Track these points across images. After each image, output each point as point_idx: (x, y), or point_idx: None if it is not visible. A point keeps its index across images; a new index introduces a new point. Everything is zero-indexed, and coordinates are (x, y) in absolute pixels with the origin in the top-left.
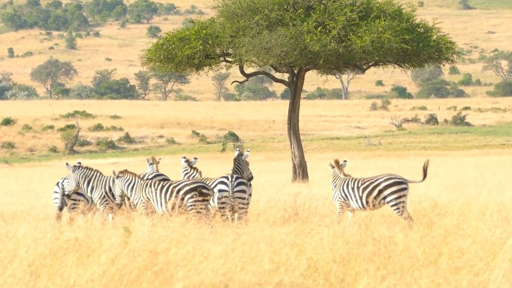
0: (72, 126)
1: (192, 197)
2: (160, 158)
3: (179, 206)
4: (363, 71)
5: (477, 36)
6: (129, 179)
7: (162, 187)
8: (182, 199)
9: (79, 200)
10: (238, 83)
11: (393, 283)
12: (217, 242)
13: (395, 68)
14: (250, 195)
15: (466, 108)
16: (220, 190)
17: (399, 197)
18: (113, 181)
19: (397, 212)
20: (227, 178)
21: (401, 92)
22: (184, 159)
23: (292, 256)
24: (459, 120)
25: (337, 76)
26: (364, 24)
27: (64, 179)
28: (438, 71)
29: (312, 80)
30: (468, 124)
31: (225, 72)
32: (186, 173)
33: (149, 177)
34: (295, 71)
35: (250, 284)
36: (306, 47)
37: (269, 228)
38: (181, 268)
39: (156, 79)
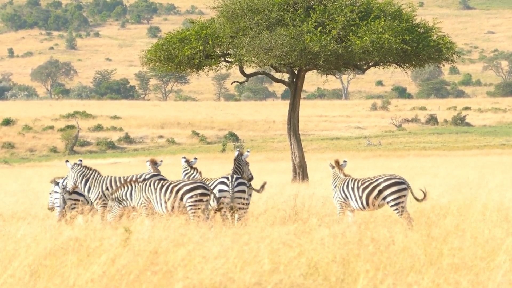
0: (72, 127)
1: (191, 197)
2: (161, 160)
3: (178, 206)
4: (363, 71)
5: (477, 36)
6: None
7: (162, 186)
8: (181, 199)
9: (79, 200)
10: (238, 83)
11: (393, 283)
12: (217, 242)
13: (395, 68)
14: (250, 195)
15: (466, 108)
16: (220, 190)
17: (399, 197)
18: (110, 181)
19: (397, 212)
20: (227, 178)
21: (401, 92)
22: (184, 159)
23: (292, 256)
24: (459, 120)
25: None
26: (364, 25)
27: (65, 179)
28: (438, 71)
29: (312, 80)
30: (468, 124)
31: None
32: (186, 173)
33: (146, 177)
34: (295, 72)
35: (250, 284)
36: (306, 47)
37: (269, 228)
38: (181, 268)
39: (156, 79)
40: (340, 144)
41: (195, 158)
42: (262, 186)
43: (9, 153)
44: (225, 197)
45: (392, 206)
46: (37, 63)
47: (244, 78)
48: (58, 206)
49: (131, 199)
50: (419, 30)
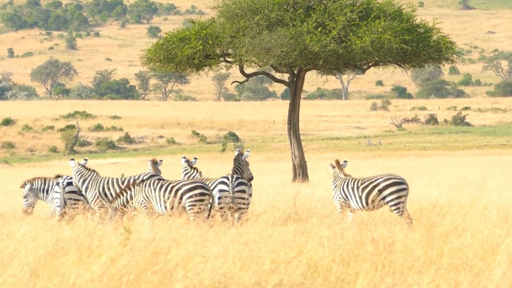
0: (72, 126)
1: (190, 197)
2: (161, 160)
3: (177, 206)
4: (363, 71)
5: (477, 36)
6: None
7: (161, 186)
8: (181, 199)
9: (79, 200)
10: (238, 83)
11: (393, 283)
12: (217, 242)
13: (395, 68)
14: (250, 195)
15: (466, 108)
16: (220, 190)
17: (399, 197)
18: (107, 182)
19: (397, 212)
20: (227, 178)
21: (401, 92)
22: (184, 159)
23: (292, 256)
24: (459, 120)
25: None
26: (364, 25)
27: (65, 179)
28: (438, 71)
29: (312, 80)
30: (468, 124)
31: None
32: (186, 173)
33: (144, 178)
34: (295, 71)
35: (250, 284)
36: (306, 47)
37: (269, 228)
38: (181, 268)
39: (156, 79)
40: (340, 144)
41: (195, 158)
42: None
43: (9, 153)
44: (225, 197)
45: (391, 206)
46: (37, 63)
47: (244, 78)
48: (58, 206)
49: (132, 203)
50: (419, 30)
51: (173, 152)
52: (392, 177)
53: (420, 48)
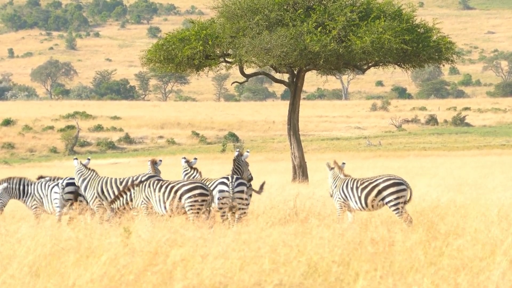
0: (72, 127)
1: (190, 197)
2: (160, 160)
3: (177, 207)
4: (363, 71)
5: (477, 36)
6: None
7: (161, 187)
8: (180, 199)
9: (79, 201)
10: (238, 83)
11: (392, 283)
12: (217, 242)
13: (395, 68)
14: (250, 195)
15: (466, 108)
16: (220, 191)
17: (398, 197)
18: (106, 182)
19: (396, 213)
20: (227, 178)
21: (401, 93)
22: (184, 160)
23: (292, 257)
24: (459, 121)
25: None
26: (364, 25)
27: (65, 179)
28: (438, 72)
29: (312, 80)
30: (468, 124)
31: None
32: (186, 174)
33: (142, 179)
34: (295, 72)
35: (250, 284)
36: (306, 47)
37: (269, 229)
38: (181, 268)
39: (156, 79)
40: (340, 145)
41: (195, 159)
42: (261, 187)
43: (9, 154)
44: (225, 197)
45: (391, 206)
46: (37, 63)
47: (244, 79)
48: (58, 207)
49: (131, 204)
50: (419, 30)
51: (173, 153)
52: (392, 177)
53: (420, 48)
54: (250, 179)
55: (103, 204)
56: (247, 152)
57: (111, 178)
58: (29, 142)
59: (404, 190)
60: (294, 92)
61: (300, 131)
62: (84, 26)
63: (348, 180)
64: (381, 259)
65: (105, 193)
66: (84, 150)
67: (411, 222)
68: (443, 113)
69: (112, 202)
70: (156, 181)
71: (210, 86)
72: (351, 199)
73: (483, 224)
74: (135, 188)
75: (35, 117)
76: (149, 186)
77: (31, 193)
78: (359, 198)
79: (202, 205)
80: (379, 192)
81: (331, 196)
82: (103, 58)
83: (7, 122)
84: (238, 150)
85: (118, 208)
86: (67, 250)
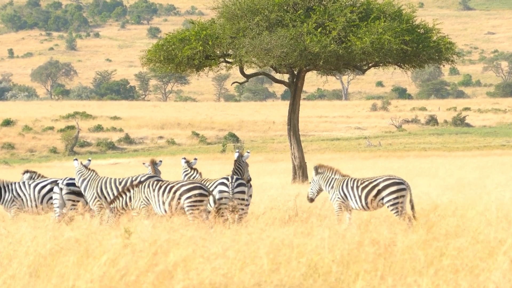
0: (72, 127)
1: (188, 197)
2: (160, 161)
3: (176, 207)
4: (363, 72)
5: (477, 37)
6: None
7: (160, 187)
8: (179, 199)
9: (78, 201)
10: (238, 84)
11: (392, 284)
12: (217, 243)
13: (395, 69)
14: (250, 196)
15: (466, 109)
16: (220, 191)
17: (397, 197)
18: (105, 182)
19: (395, 213)
20: (227, 179)
21: (401, 93)
22: (184, 160)
23: (292, 257)
24: (459, 121)
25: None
26: (364, 25)
27: (64, 179)
28: (438, 72)
29: (312, 81)
30: (468, 125)
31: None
32: (186, 174)
33: (142, 179)
34: (295, 72)
35: (250, 285)
36: (306, 48)
37: (269, 229)
38: (181, 268)
39: (156, 80)
40: (340, 145)
41: (195, 159)
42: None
43: (9, 154)
44: (225, 197)
45: (390, 206)
46: (37, 63)
47: (244, 79)
48: (57, 207)
49: (131, 205)
50: (419, 30)
51: (173, 153)
52: (392, 177)
53: (420, 49)
54: (249, 180)
55: (103, 205)
56: (248, 152)
57: (111, 179)
58: (29, 143)
59: (403, 190)
60: (294, 93)
61: (300, 131)
62: (84, 27)
63: (348, 179)
64: (381, 259)
65: (105, 193)
66: (84, 150)
67: (412, 222)
68: (443, 113)
69: (112, 202)
70: (155, 182)
71: (210, 86)
72: (351, 199)
73: (483, 224)
74: (134, 189)
75: (35, 118)
76: (148, 186)
77: (7, 198)
78: (359, 197)
79: (201, 205)
80: (379, 191)
81: (310, 200)
82: (103, 58)
83: (7, 123)
84: (238, 150)
85: (118, 209)
86: (67, 251)
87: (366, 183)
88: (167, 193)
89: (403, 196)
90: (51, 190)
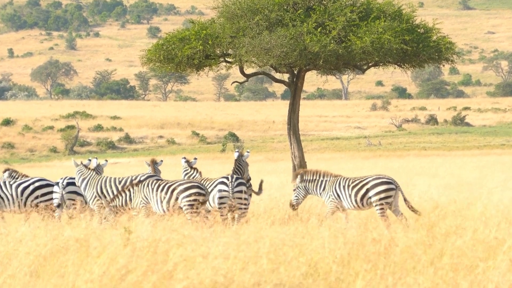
0: (72, 127)
1: (186, 197)
2: (161, 160)
3: (173, 206)
4: (363, 71)
5: (477, 36)
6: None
7: (159, 186)
8: (177, 198)
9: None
10: (238, 83)
11: (392, 283)
12: (217, 242)
13: (395, 68)
14: (250, 195)
15: (466, 108)
16: (220, 190)
17: (384, 197)
18: (105, 181)
19: (380, 213)
20: (227, 178)
21: (401, 93)
22: (184, 160)
23: (292, 257)
24: (459, 121)
25: (337, 77)
26: (364, 25)
27: (64, 178)
28: (438, 72)
29: (312, 80)
30: (468, 124)
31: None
32: (186, 173)
33: (141, 178)
34: (295, 72)
35: (250, 284)
36: (306, 47)
37: (269, 228)
38: (181, 268)
39: (156, 79)
40: (340, 144)
41: (195, 158)
42: (260, 187)
43: (9, 153)
44: (225, 197)
45: (376, 205)
46: (37, 63)
47: (244, 78)
48: (58, 206)
49: (131, 204)
50: (419, 30)
51: (173, 153)
52: (381, 176)
53: (420, 49)
54: (248, 179)
55: (102, 204)
56: (248, 152)
57: (111, 178)
58: (29, 142)
59: (391, 190)
60: (294, 92)
61: (300, 131)
62: (84, 26)
63: (340, 179)
64: (381, 259)
65: (105, 192)
66: (84, 150)
67: (407, 220)
68: (443, 113)
69: (111, 201)
70: (154, 181)
71: (210, 86)
72: (343, 198)
73: (483, 224)
74: (134, 188)
75: (35, 117)
76: (147, 185)
77: None
78: (350, 196)
79: (198, 204)
80: (368, 190)
81: (293, 207)
82: (103, 58)
83: (7, 122)
84: (238, 150)
85: (117, 207)
86: (67, 250)
87: (357, 182)
88: (165, 192)
89: (390, 196)
90: (34, 190)
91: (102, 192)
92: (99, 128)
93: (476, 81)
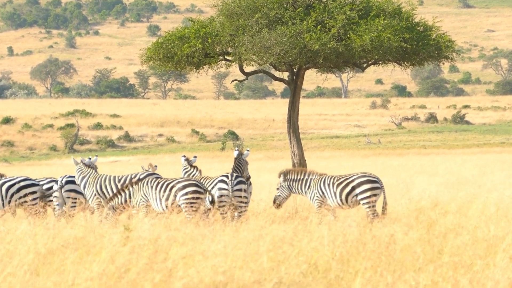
0: (72, 125)
1: (183, 195)
2: (156, 166)
3: (172, 204)
4: (363, 69)
5: (476, 34)
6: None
7: (157, 184)
8: (175, 196)
9: (78, 198)
10: (237, 81)
11: (392, 281)
12: (217, 240)
13: (394, 66)
14: (250, 193)
15: (466, 106)
16: (220, 189)
17: (371, 196)
18: (105, 180)
19: (369, 210)
20: (227, 176)
21: (401, 91)
22: (184, 158)
23: (292, 255)
24: (459, 119)
25: (337, 75)
26: (364, 23)
27: (64, 177)
28: (437, 70)
29: (312, 78)
30: (467, 122)
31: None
32: (186, 172)
33: (141, 177)
34: (295, 70)
35: (250, 282)
36: (306, 45)
37: (269, 227)
38: (181, 266)
39: (155, 78)
40: (340, 143)
41: (195, 157)
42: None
43: (8, 152)
44: (224, 195)
45: (364, 204)
46: (36, 61)
47: (243, 77)
48: (57, 205)
49: (130, 202)
50: (418, 28)
51: (172, 151)
52: (366, 175)
53: (420, 47)
54: (248, 178)
55: (101, 202)
56: (247, 150)
57: (110, 176)
58: (29, 140)
59: (377, 188)
60: (293, 90)
61: (300, 129)
62: (84, 25)
63: (325, 177)
64: (380, 257)
65: (104, 191)
66: (84, 148)
67: (377, 218)
68: (443, 111)
69: (110, 199)
70: (154, 179)
71: (209, 84)
72: (328, 196)
73: (483, 222)
74: (133, 186)
75: (35, 115)
76: (147, 184)
77: None
78: (335, 194)
79: (196, 202)
80: (353, 188)
81: (277, 206)
82: (102, 56)
83: (7, 120)
84: (237, 148)
85: (116, 206)
86: (66, 248)
87: (342, 180)
88: (163, 190)
89: (376, 194)
90: (20, 189)
91: (101, 191)
92: (98, 126)
93: (475, 79)
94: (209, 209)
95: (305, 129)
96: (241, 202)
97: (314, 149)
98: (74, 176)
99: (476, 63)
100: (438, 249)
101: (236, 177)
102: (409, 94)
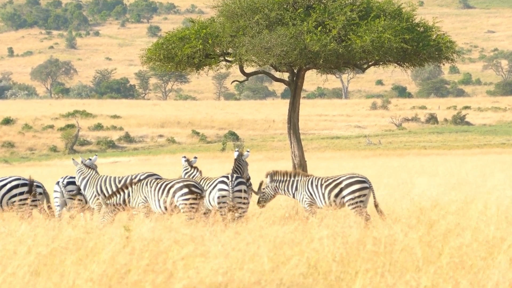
0: (72, 126)
1: (182, 195)
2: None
3: (170, 204)
4: (363, 70)
5: (477, 35)
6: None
7: (157, 185)
8: (173, 197)
9: (79, 199)
10: (238, 82)
11: (392, 282)
12: (217, 241)
13: (395, 67)
14: (250, 194)
15: (466, 107)
16: (220, 190)
17: (358, 196)
18: (105, 181)
19: (355, 211)
20: (227, 177)
21: (401, 92)
22: (184, 159)
23: (292, 256)
24: (459, 120)
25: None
26: (364, 24)
27: (65, 178)
28: (438, 71)
29: (312, 79)
30: (468, 123)
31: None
32: (187, 172)
33: (141, 177)
34: (295, 71)
35: (250, 283)
36: (306, 46)
37: (269, 228)
38: (181, 267)
39: (156, 78)
40: (340, 143)
41: (195, 157)
42: (259, 188)
43: (9, 152)
44: (224, 196)
45: (350, 205)
46: (37, 62)
47: (244, 77)
48: (58, 206)
49: (129, 202)
50: (419, 29)
51: (173, 151)
52: (354, 176)
53: (420, 47)
54: (248, 178)
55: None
56: (247, 151)
57: (110, 177)
58: (29, 141)
59: (365, 188)
60: (294, 91)
61: (300, 130)
62: (84, 25)
63: (313, 178)
64: (381, 258)
65: (104, 191)
66: (84, 149)
67: (369, 219)
68: (443, 112)
69: (108, 199)
70: (153, 180)
71: (210, 85)
72: (316, 197)
73: (483, 223)
74: (133, 187)
75: (35, 116)
76: (146, 184)
77: None
78: (323, 195)
79: (194, 203)
80: (341, 189)
81: (262, 206)
82: (103, 57)
83: (7, 121)
84: (237, 149)
85: (115, 206)
86: (67, 249)
87: (330, 181)
88: (162, 191)
89: (364, 195)
90: (11, 189)
91: (102, 191)
92: (99, 127)
93: (476, 80)
94: (209, 210)
95: (306, 130)
96: (241, 203)
97: (314, 150)
98: (74, 177)
99: (476, 64)
100: (438, 250)
101: (237, 177)
102: (409, 95)
